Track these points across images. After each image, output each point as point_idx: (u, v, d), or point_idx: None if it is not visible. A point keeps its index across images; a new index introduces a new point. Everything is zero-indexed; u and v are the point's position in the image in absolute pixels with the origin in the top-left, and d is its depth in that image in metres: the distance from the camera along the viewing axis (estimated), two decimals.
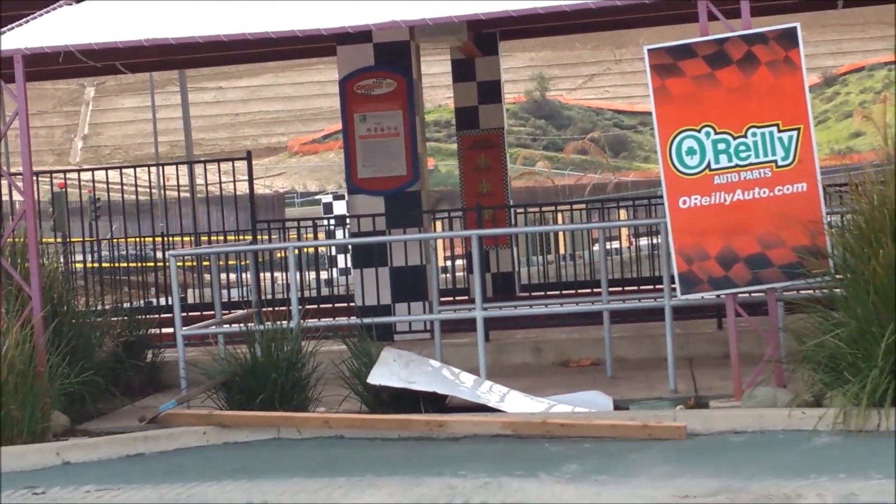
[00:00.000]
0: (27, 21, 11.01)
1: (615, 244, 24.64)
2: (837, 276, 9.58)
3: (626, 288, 15.69)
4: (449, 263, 20.35)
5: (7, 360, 9.74)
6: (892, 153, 9.71)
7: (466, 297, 15.92)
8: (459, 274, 19.17)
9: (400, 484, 8.36)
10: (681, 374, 11.03)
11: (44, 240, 13.27)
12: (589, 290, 15.50)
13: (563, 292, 15.62)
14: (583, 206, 20.08)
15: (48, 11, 11.32)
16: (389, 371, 10.24)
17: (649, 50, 9.98)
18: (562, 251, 21.83)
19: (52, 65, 14.78)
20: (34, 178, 11.10)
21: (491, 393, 10.44)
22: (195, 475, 8.98)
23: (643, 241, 22.91)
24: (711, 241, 9.82)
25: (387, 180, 13.93)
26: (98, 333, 11.72)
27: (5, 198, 14.61)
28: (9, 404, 9.66)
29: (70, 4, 11.50)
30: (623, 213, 21.47)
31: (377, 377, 10.16)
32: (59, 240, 17.05)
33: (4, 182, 13.62)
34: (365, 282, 13.90)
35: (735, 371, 9.87)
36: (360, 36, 13.09)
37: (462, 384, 10.57)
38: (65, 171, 17.32)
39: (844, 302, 9.39)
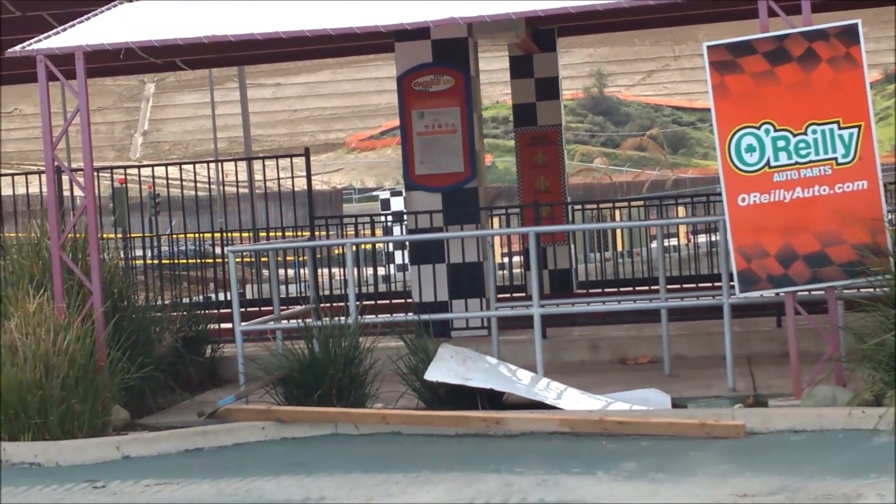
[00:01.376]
0: (88, 18, 11.10)
1: (673, 241, 24.53)
2: None
3: (685, 285, 15.61)
4: (506, 260, 20.34)
5: (68, 354, 9.82)
6: None
7: (523, 294, 15.91)
8: (517, 271, 19.16)
9: (457, 480, 8.37)
10: (739, 372, 10.97)
11: (104, 235, 13.38)
12: (647, 288, 15.46)
13: (621, 289, 15.59)
14: (641, 203, 20.02)
15: (109, 8, 11.41)
16: (446, 368, 10.25)
17: (708, 47, 9.93)
18: (619, 248, 21.76)
19: (112, 61, 14.94)
20: (95, 173, 11.19)
21: (548, 390, 10.43)
22: (253, 470, 9.03)
23: (701, 238, 22.79)
24: (771, 239, 9.76)
25: (444, 177, 13.94)
26: (157, 328, 11.77)
27: (66, 193, 14.75)
28: (70, 398, 9.75)
29: (131, 1, 11.58)
30: (681, 210, 21.36)
31: (434, 374, 10.18)
32: (119, 235, 17.17)
33: (66, 178, 13.77)
34: (422, 278, 13.92)
35: (794, 370, 9.80)
36: (418, 33, 13.11)
37: (519, 381, 10.57)
38: (125, 167, 17.48)
39: None
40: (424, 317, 11.17)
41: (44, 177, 11.00)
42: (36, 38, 10.50)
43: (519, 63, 17.46)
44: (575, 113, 78.05)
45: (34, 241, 11.07)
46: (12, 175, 16.00)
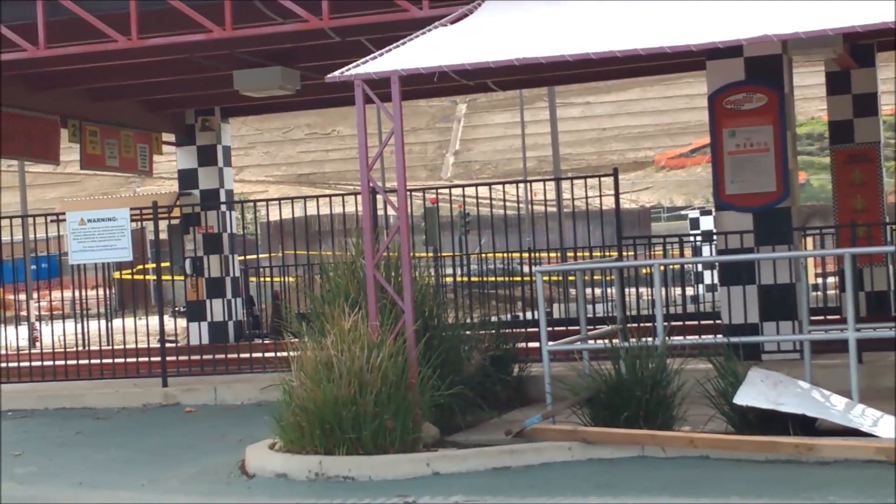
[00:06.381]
0: (403, 43, 11.37)
1: None
2: None
3: None
4: (819, 281, 19.80)
5: (381, 371, 10.05)
6: None
7: (838, 317, 15.47)
8: (831, 292, 18.63)
9: None
10: None
11: (416, 254, 13.67)
12: None
13: None
14: None
15: (424, 33, 11.65)
16: (756, 391, 10.03)
17: None
18: None
19: (426, 84, 15.29)
20: (407, 194, 11.43)
21: (863, 417, 10.08)
22: (560, 490, 9.04)
23: None
24: None
25: (756, 196, 13.67)
26: (466, 347, 11.91)
27: (380, 212, 15.13)
28: (382, 414, 9.97)
29: (445, 26, 11.80)
30: None
31: (744, 397, 9.98)
32: (430, 254, 17.51)
33: (380, 198, 14.13)
34: (732, 299, 13.68)
35: None
36: (729, 51, 12.92)
37: (832, 407, 10.25)
38: (436, 188, 17.83)
39: None
40: (734, 339, 10.98)
41: (358, 197, 11.30)
42: (354, 64, 10.82)
43: (835, 79, 17.01)
44: (895, 129, 75.32)
45: (349, 260, 11.38)
46: (329, 196, 16.57)
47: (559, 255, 16.98)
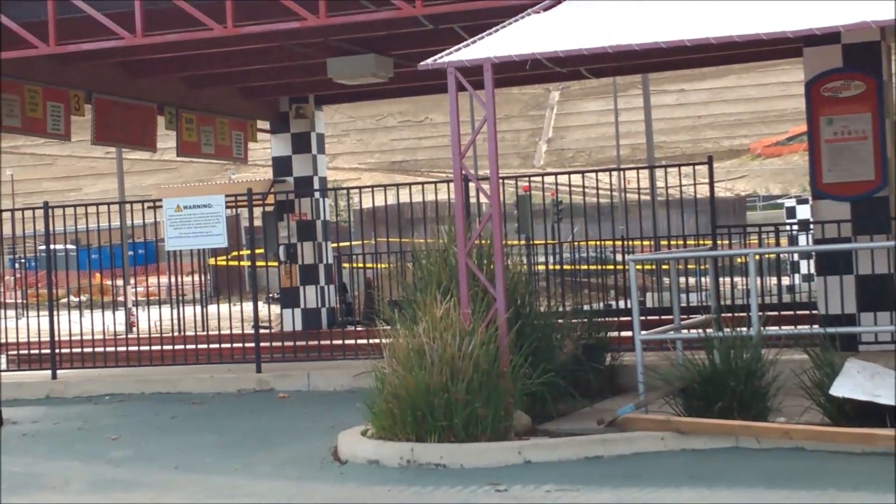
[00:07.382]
0: (497, 30, 11.34)
1: None
2: None
3: None
4: None
5: (473, 359, 10.05)
6: None
7: None
8: None
9: (864, 501, 8.06)
10: None
11: (508, 242, 13.64)
12: None
13: None
14: None
15: (516, 20, 11.61)
16: (853, 383, 9.90)
17: None
18: None
19: (519, 71, 15.24)
20: (500, 181, 11.40)
21: None
22: (652, 480, 8.99)
23: None
24: None
25: (853, 185, 13.49)
26: (559, 335, 11.86)
27: (472, 200, 15.12)
28: (474, 402, 9.97)
29: (538, 13, 11.75)
30: None
31: (840, 389, 9.85)
32: (522, 242, 17.48)
33: (472, 185, 14.13)
34: (829, 289, 13.51)
35: None
36: (827, 37, 12.75)
37: None
38: (529, 175, 17.79)
39: None
40: (830, 330, 10.83)
41: (451, 184, 11.29)
42: (447, 51, 10.81)
43: None
44: None
45: (441, 247, 11.38)
46: (422, 183, 16.60)
47: (652, 243, 16.86)
